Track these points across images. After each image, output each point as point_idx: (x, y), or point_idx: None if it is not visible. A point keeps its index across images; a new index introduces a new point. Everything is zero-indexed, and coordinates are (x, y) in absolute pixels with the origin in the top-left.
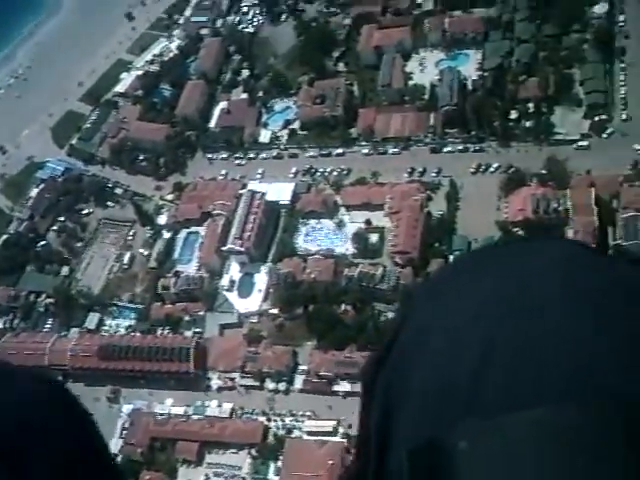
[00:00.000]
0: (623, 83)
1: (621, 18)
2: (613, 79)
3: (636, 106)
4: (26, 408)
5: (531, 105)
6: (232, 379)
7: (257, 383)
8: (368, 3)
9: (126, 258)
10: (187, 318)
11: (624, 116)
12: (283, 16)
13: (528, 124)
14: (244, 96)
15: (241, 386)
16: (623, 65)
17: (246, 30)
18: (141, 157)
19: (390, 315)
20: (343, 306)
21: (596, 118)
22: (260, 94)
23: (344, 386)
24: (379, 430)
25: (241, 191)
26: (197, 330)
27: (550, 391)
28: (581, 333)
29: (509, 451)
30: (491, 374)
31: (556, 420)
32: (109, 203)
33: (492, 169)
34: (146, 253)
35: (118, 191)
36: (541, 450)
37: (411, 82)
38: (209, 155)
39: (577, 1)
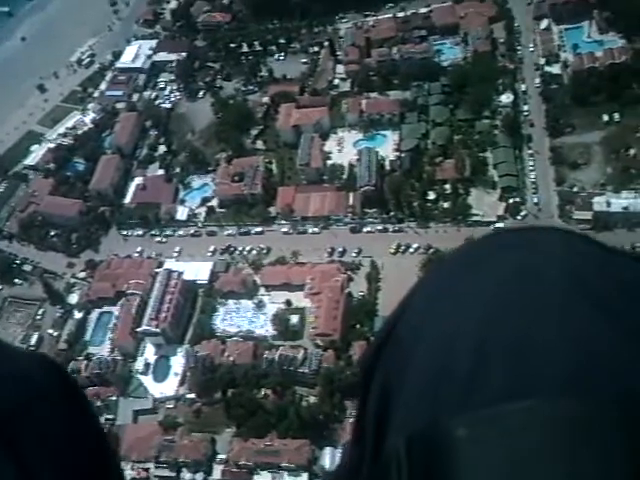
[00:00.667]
0: (532, 168)
1: (525, 108)
2: (523, 164)
3: (546, 190)
4: (23, 385)
5: (448, 186)
6: (146, 469)
7: (173, 474)
8: (286, 82)
9: (34, 339)
10: (99, 404)
11: (535, 199)
12: (201, 92)
13: (446, 205)
14: (160, 172)
15: (156, 477)
16: (530, 151)
17: (163, 105)
18: (52, 233)
19: (312, 400)
20: (263, 391)
21: (510, 200)
22: (177, 170)
23: (265, 476)
24: (376, 417)
25: (157, 270)
26: (109, 417)
27: (549, 383)
28: (582, 327)
29: (507, 439)
30: (490, 364)
31: (554, 410)
32: (16, 280)
33: (412, 249)
34: (55, 334)
35: (26, 268)
36: (539, 439)
37: (330, 162)
38: (124, 232)
39: (485, 89)
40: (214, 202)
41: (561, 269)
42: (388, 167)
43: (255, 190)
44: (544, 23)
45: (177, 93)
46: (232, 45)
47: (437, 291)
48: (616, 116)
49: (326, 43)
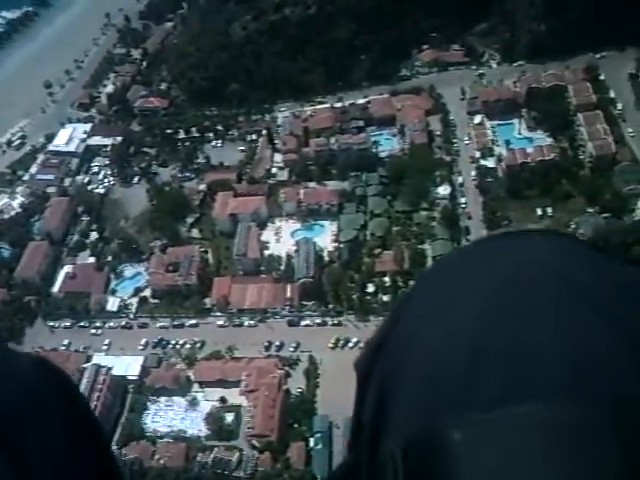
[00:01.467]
0: None
1: (462, 200)
2: None
3: None
4: (24, 389)
5: (387, 279)
6: None
7: None
8: (223, 170)
9: None
10: None
11: None
12: (136, 178)
13: (385, 298)
14: (91, 260)
15: None
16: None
17: (96, 191)
18: None
19: None
20: None
21: None
22: (109, 259)
23: None
24: (373, 419)
25: (85, 365)
26: None
27: (545, 387)
28: (577, 330)
29: (503, 443)
30: (487, 368)
31: (550, 415)
32: None
33: (351, 344)
34: None
35: None
36: (535, 443)
37: (267, 252)
38: (50, 323)
39: (423, 181)
40: (147, 292)
41: (555, 272)
42: (327, 258)
43: (190, 280)
44: (477, 118)
45: (111, 178)
46: (169, 131)
47: (432, 295)
48: (549, 210)
49: (264, 131)
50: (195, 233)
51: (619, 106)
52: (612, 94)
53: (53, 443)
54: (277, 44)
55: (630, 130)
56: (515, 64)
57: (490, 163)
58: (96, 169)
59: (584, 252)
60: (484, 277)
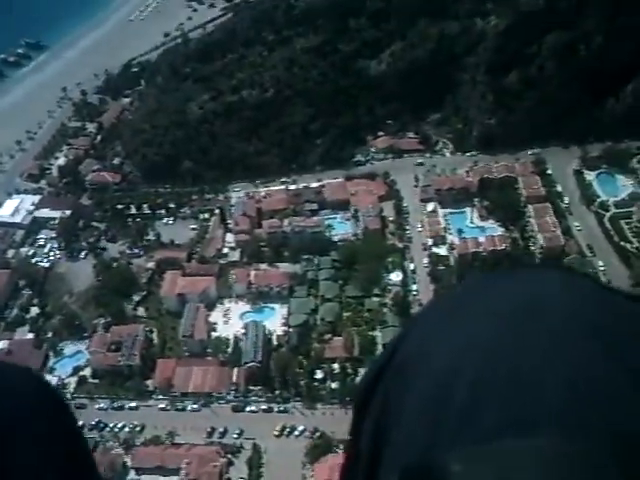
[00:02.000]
0: None
1: (414, 287)
2: None
3: None
4: (19, 400)
5: (336, 366)
6: None
7: None
8: (173, 248)
9: None
10: None
11: None
12: (83, 253)
13: (334, 385)
14: (30, 336)
15: None
16: None
17: (41, 264)
18: None
19: None
20: None
21: None
22: (49, 335)
23: None
24: (370, 447)
25: None
26: None
27: (547, 420)
28: (581, 364)
29: (502, 475)
30: (487, 398)
31: (551, 448)
32: None
33: (297, 432)
34: None
35: None
36: (534, 476)
37: (214, 334)
38: None
39: (375, 267)
40: (87, 372)
41: (560, 305)
42: (275, 342)
43: (132, 361)
44: (430, 206)
45: (57, 252)
46: (120, 206)
47: (437, 320)
48: None
49: (217, 210)
50: (141, 312)
51: (566, 200)
52: (559, 188)
53: (48, 454)
54: (233, 125)
55: (576, 224)
56: (467, 154)
57: (442, 251)
58: (42, 242)
59: (590, 287)
60: (489, 308)
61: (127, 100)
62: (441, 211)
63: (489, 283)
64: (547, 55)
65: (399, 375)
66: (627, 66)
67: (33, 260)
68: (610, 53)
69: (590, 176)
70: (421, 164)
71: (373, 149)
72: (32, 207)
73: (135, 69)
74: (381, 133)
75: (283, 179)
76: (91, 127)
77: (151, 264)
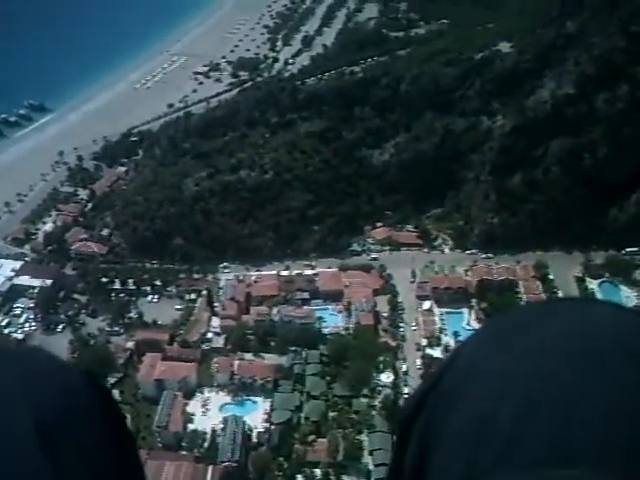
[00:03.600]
0: None
1: (405, 390)
2: None
3: None
4: (70, 398)
5: (319, 471)
6: None
7: None
8: (155, 328)
9: None
10: None
11: None
12: (60, 326)
13: None
14: None
15: None
16: None
17: (14, 335)
18: None
19: None
20: None
21: None
22: None
23: None
24: (413, 471)
25: None
26: None
27: (591, 453)
28: (630, 398)
29: None
30: (533, 426)
31: (585, 479)
32: None
33: None
34: None
35: None
36: None
37: (191, 426)
38: None
39: (366, 365)
40: None
41: (612, 337)
42: (255, 440)
43: None
44: (427, 304)
45: (33, 323)
46: (104, 279)
47: (486, 346)
48: None
49: (204, 292)
50: (115, 395)
51: None
52: (560, 294)
53: (89, 449)
54: (229, 205)
55: None
56: (467, 252)
57: (436, 353)
58: (18, 311)
59: (635, 319)
60: (539, 335)
61: (123, 169)
62: (437, 310)
63: (539, 313)
64: (552, 160)
65: (445, 398)
66: (631, 176)
67: (6, 330)
68: (615, 163)
69: (592, 284)
70: (418, 259)
71: (370, 240)
72: (12, 273)
73: (134, 138)
74: (380, 224)
75: (276, 264)
76: (83, 194)
77: (130, 344)
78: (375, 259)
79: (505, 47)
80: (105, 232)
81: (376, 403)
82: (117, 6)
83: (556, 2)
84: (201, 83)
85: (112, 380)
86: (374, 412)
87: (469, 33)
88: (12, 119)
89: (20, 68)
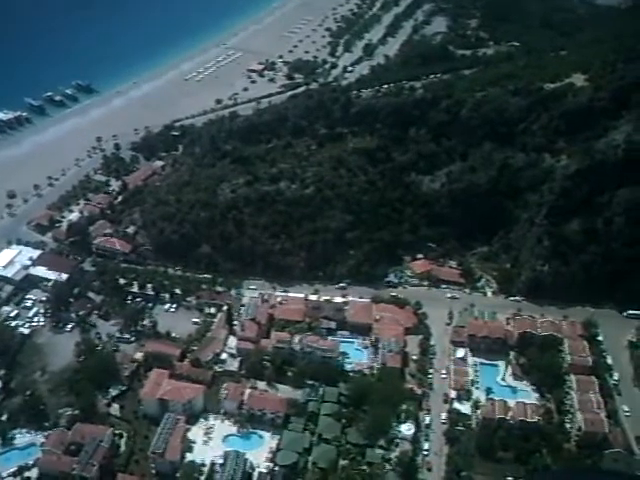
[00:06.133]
0: None
1: (426, 446)
2: None
3: None
4: None
5: None
6: None
7: None
8: (168, 341)
9: None
10: None
11: None
12: (69, 325)
13: None
14: None
15: None
16: None
17: (20, 329)
18: None
19: None
20: None
21: None
22: (3, 417)
23: None
24: None
25: None
26: None
27: None
28: None
29: None
30: None
31: None
32: None
33: None
34: None
35: None
36: None
37: (189, 455)
38: None
39: (386, 412)
40: (33, 474)
41: None
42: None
43: (88, 472)
44: (461, 352)
45: (42, 318)
46: (122, 280)
47: None
48: None
49: (225, 307)
50: (114, 409)
51: (615, 376)
52: (609, 360)
53: None
54: (264, 217)
55: (625, 408)
56: (511, 298)
57: (465, 408)
58: (29, 303)
59: None
60: None
61: (160, 163)
62: (471, 360)
63: None
64: (617, 209)
65: None
66: None
67: (13, 323)
68: None
69: None
70: (461, 300)
71: (409, 272)
72: (29, 262)
73: (176, 132)
74: (420, 256)
75: (305, 285)
76: (115, 185)
77: (139, 355)
78: (410, 294)
79: (579, 79)
80: (131, 229)
81: (392, 457)
82: None
83: None
84: (254, 81)
85: (114, 392)
86: (388, 466)
87: (540, 59)
88: (57, 98)
89: (76, 48)
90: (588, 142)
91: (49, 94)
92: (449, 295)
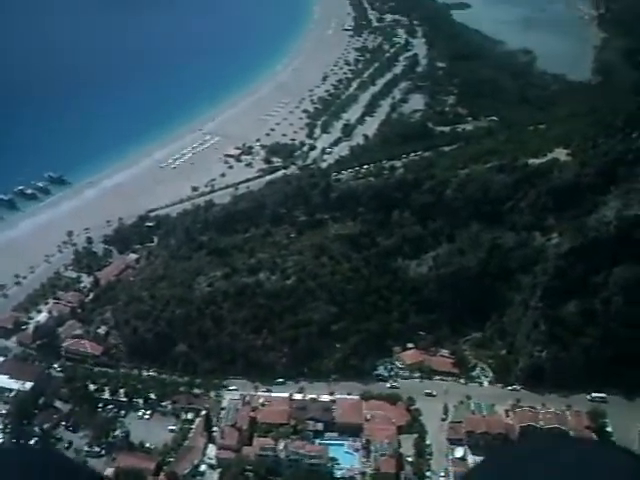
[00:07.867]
0: None
1: None
2: None
3: None
4: None
5: None
6: None
7: None
8: (141, 453)
9: None
10: None
11: None
12: (33, 440)
13: None
14: None
15: None
16: None
17: None
18: None
19: None
20: None
21: None
22: None
23: None
24: None
25: None
26: None
27: None
28: None
29: None
30: None
31: None
32: None
33: None
34: None
35: None
36: None
37: None
38: None
39: None
40: None
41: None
42: None
43: None
44: (459, 451)
45: (1, 435)
46: (93, 386)
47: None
48: None
49: (203, 412)
50: None
51: None
52: None
53: None
54: (243, 311)
55: None
56: (510, 387)
57: None
58: None
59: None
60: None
61: (134, 256)
62: (472, 459)
63: (542, 450)
64: (614, 289)
65: None
66: None
67: None
68: None
69: None
70: (452, 392)
71: (399, 363)
72: None
73: (150, 223)
74: (411, 345)
75: (289, 383)
76: (86, 281)
77: (109, 471)
78: (400, 388)
79: (562, 154)
80: (102, 330)
81: None
82: (154, 78)
83: (619, 110)
84: (231, 167)
85: None
86: None
87: (521, 134)
88: (29, 191)
89: (46, 139)
90: (578, 219)
91: (20, 188)
92: (444, 388)
